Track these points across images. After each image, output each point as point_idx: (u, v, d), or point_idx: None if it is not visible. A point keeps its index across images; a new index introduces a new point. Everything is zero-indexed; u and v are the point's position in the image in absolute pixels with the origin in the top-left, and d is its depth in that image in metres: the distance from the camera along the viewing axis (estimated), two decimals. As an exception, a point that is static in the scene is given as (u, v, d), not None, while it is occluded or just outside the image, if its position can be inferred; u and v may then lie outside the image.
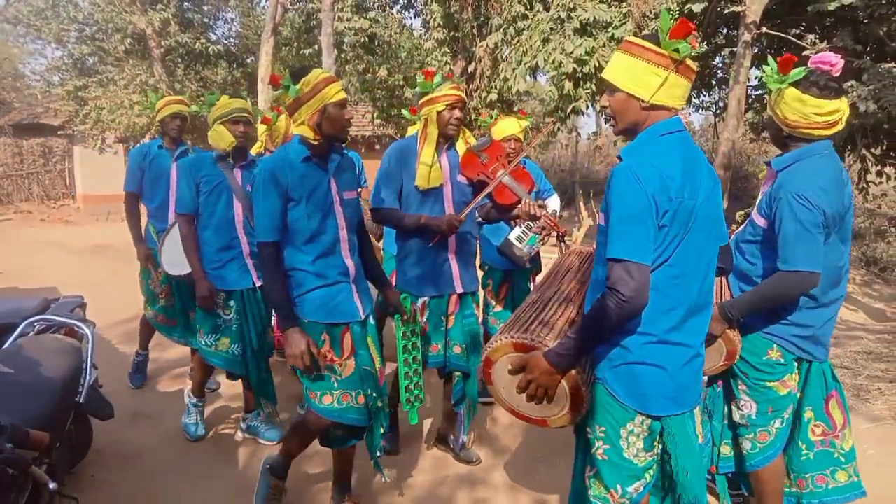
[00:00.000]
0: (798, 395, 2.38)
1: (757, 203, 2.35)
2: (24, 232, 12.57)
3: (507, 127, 3.84)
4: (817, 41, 7.56)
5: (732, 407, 2.45)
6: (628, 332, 1.75)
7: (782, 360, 2.29)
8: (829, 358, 2.40)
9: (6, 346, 2.58)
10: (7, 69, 23.08)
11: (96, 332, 3.02)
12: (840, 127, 2.19)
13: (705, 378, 2.36)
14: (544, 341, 1.82)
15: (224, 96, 3.33)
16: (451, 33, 11.03)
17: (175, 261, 3.49)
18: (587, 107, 9.16)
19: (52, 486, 1.73)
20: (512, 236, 3.46)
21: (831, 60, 2.10)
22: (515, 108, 13.73)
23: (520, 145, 3.75)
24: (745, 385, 2.36)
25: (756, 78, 11.58)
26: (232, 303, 3.28)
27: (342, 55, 14.42)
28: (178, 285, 3.87)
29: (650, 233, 1.65)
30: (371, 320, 2.66)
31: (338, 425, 2.56)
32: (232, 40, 18.77)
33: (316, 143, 2.41)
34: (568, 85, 8.64)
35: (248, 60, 17.42)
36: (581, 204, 7.13)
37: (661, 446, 1.85)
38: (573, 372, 1.77)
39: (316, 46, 14.47)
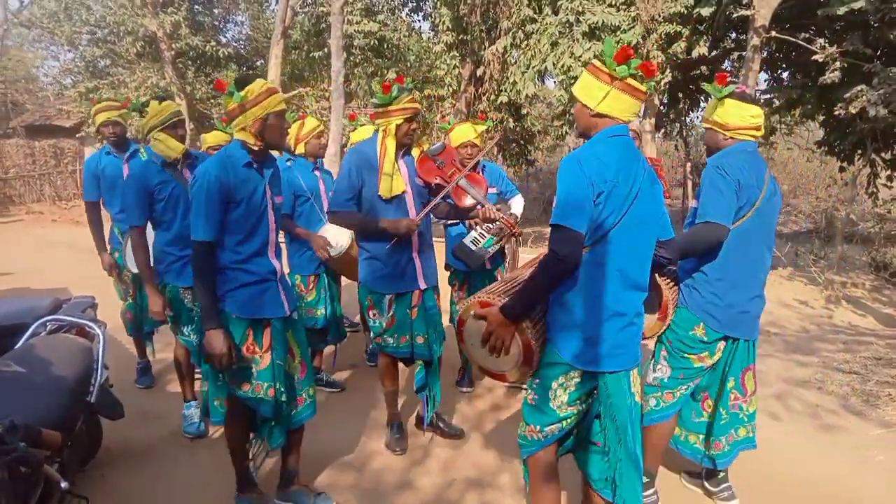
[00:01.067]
0: (708, 370, 2.77)
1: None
2: (35, 232, 12.67)
3: (462, 133, 3.90)
4: (827, 45, 7.51)
5: (648, 368, 2.82)
6: (570, 297, 2.07)
7: (705, 339, 2.67)
8: (757, 337, 2.79)
9: (19, 345, 2.61)
10: (20, 72, 23.31)
11: (107, 332, 3.05)
12: (762, 132, 2.73)
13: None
14: (504, 301, 2.14)
15: (154, 102, 3.29)
16: (460, 36, 11.06)
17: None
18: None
19: (63, 484, 1.75)
20: (467, 240, 3.57)
21: (744, 87, 2.75)
22: (523, 112, 13.77)
23: (476, 150, 3.85)
24: (667, 351, 2.77)
25: (764, 82, 11.56)
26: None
27: (351, 58, 14.49)
28: (141, 284, 3.92)
29: (585, 206, 1.98)
30: (295, 316, 2.80)
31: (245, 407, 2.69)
32: (242, 43, 18.91)
33: (256, 148, 2.54)
34: (576, 89, 8.65)
35: (258, 63, 17.53)
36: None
37: (583, 406, 2.16)
38: (525, 328, 2.10)
39: (325, 49, 14.52)
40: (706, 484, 3.01)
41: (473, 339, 2.25)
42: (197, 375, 3.79)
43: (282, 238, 3.23)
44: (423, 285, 3.26)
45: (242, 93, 2.45)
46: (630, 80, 2.04)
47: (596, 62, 2.11)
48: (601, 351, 2.07)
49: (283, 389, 2.65)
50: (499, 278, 4.02)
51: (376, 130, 3.20)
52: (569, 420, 2.17)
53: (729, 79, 2.66)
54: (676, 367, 2.74)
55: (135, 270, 3.68)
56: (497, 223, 3.37)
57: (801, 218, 12.44)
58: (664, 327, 2.73)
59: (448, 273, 4.22)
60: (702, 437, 2.91)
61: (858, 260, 9.19)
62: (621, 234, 2.04)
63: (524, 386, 2.32)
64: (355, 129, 4.52)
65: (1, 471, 1.54)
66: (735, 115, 2.65)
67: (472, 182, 3.29)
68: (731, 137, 2.68)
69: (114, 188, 4.05)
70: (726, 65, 11.46)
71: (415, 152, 3.29)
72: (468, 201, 3.29)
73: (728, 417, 2.81)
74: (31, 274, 7.66)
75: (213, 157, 2.59)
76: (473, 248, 3.54)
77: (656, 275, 2.55)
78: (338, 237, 3.78)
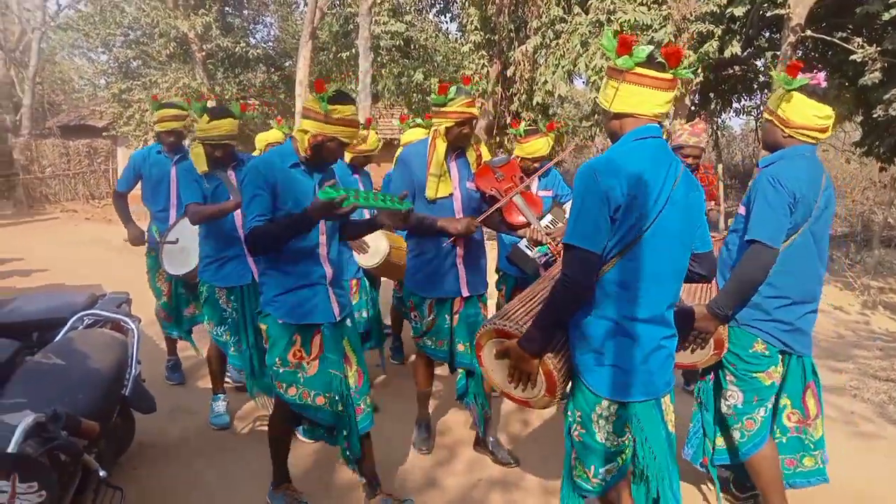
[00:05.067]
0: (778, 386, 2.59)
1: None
2: (69, 230, 12.97)
3: (539, 148, 3.83)
4: (865, 44, 7.32)
5: (721, 399, 2.63)
6: (593, 321, 1.91)
7: (767, 353, 2.49)
8: (812, 354, 2.60)
9: (58, 339, 2.66)
10: (55, 73, 23.89)
11: (140, 327, 3.10)
12: (829, 134, 2.47)
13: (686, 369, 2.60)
14: (522, 328, 1.99)
15: (205, 117, 3.27)
16: (488, 37, 11.04)
17: (174, 261, 3.75)
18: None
19: (102, 473, 1.78)
20: (522, 244, 3.49)
21: (819, 77, 2.41)
22: (550, 113, 13.68)
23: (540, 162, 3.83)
24: (733, 375, 2.56)
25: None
26: (233, 297, 3.46)
27: (378, 58, 14.56)
28: (176, 284, 4.09)
29: (601, 223, 1.82)
30: (348, 322, 2.72)
31: (304, 417, 2.68)
32: (271, 44, 19.13)
33: (305, 154, 2.50)
34: (607, 88, 8.57)
35: (286, 64, 17.72)
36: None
37: (631, 434, 1.97)
38: (547, 358, 1.95)
39: (353, 50, 14.62)
40: (733, 489, 2.94)
41: (494, 366, 2.14)
42: (227, 382, 3.88)
43: None
44: (465, 293, 3.16)
45: (330, 107, 2.38)
46: (640, 70, 1.84)
47: (610, 62, 1.96)
48: (628, 380, 1.89)
49: (337, 398, 2.60)
50: None
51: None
52: (623, 455, 1.99)
53: (804, 73, 2.36)
54: (749, 391, 2.53)
55: (171, 271, 3.82)
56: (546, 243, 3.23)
57: (837, 221, 12.15)
58: (719, 358, 2.56)
59: (496, 277, 4.14)
60: None
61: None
62: (645, 249, 1.84)
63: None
64: (402, 131, 4.46)
65: (43, 458, 1.58)
66: (800, 113, 2.37)
67: (528, 201, 3.21)
68: (791, 136, 2.42)
69: (158, 187, 4.09)
70: (759, 64, 11.25)
71: (470, 155, 3.18)
72: (519, 219, 3.19)
73: (786, 439, 2.62)
74: (66, 271, 7.84)
75: (263, 154, 2.57)
76: (529, 252, 3.45)
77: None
78: (376, 241, 3.77)
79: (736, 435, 2.59)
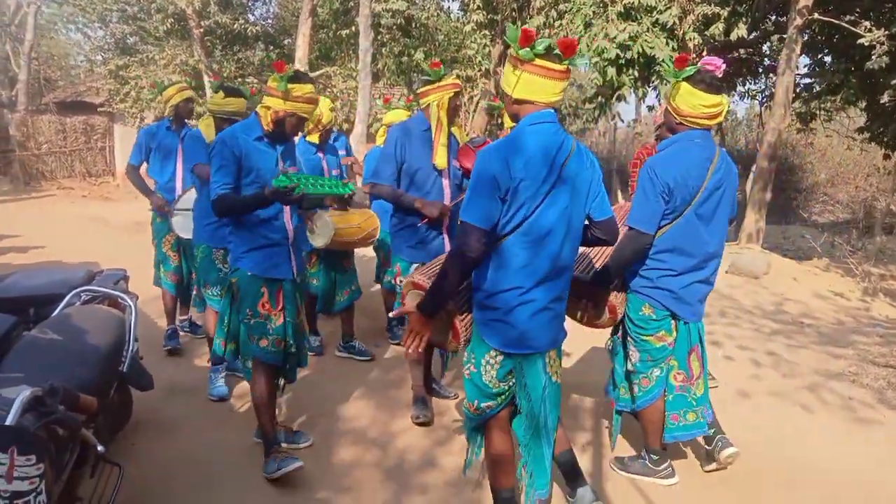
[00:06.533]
0: (673, 348, 2.82)
1: None
2: (66, 208, 12.88)
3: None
4: (873, 28, 7.23)
5: (627, 357, 2.93)
6: (488, 283, 2.16)
7: (654, 316, 2.75)
8: (701, 321, 2.85)
9: (55, 314, 2.64)
10: (51, 48, 23.61)
11: (138, 304, 3.07)
12: (720, 119, 2.69)
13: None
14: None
15: (220, 93, 3.68)
16: (490, 16, 10.92)
17: (184, 226, 4.05)
18: (631, 92, 8.98)
19: (100, 448, 1.77)
20: None
21: (716, 63, 2.55)
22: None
23: None
24: (630, 337, 2.86)
25: (805, 66, 11.20)
26: (229, 258, 3.54)
27: (379, 37, 14.40)
28: (186, 250, 4.35)
29: (490, 203, 2.04)
30: (299, 280, 3.07)
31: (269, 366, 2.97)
32: (270, 21, 18.91)
33: (268, 128, 2.80)
34: (611, 71, 8.46)
35: (285, 42, 17.52)
36: (619, 192, 7.02)
37: (514, 381, 2.27)
38: (451, 310, 2.31)
39: (353, 28, 14.44)
40: (717, 453, 2.97)
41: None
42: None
43: None
44: None
45: (290, 86, 2.70)
46: (539, 62, 2.03)
47: (511, 51, 2.12)
48: (512, 335, 2.17)
49: (292, 342, 2.98)
50: None
51: (420, 110, 3.43)
52: (503, 396, 2.29)
53: (692, 62, 2.55)
54: (642, 351, 2.83)
55: (183, 235, 4.12)
56: None
57: (839, 208, 12.14)
58: (615, 321, 2.86)
59: None
60: None
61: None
62: (536, 224, 2.08)
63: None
64: (386, 112, 4.69)
65: (41, 431, 1.57)
66: (686, 102, 2.57)
67: None
68: (682, 123, 2.63)
69: (167, 161, 4.38)
70: (765, 48, 11.15)
71: (455, 130, 3.48)
72: None
73: (672, 397, 2.87)
74: (62, 248, 7.79)
75: (231, 126, 2.90)
76: None
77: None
78: (324, 222, 3.84)
79: (634, 389, 2.91)
